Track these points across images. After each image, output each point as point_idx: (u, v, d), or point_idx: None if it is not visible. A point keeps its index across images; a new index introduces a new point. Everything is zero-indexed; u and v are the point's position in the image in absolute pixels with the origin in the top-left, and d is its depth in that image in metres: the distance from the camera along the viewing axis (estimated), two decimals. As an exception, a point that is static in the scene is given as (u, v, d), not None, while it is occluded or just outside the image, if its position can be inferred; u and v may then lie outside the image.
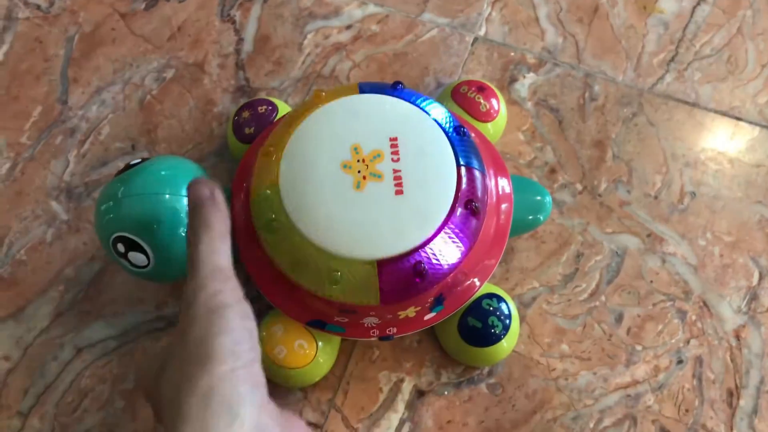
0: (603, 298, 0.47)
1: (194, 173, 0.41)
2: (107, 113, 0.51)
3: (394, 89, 0.42)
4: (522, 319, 0.47)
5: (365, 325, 0.41)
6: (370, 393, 0.45)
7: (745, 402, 0.45)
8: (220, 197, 0.33)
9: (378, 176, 0.38)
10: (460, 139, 0.40)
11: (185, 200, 0.38)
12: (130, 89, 0.52)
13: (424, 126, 0.40)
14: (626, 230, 0.49)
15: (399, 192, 0.38)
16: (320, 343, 0.42)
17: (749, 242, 0.48)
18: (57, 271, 0.47)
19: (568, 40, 0.54)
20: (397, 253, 0.37)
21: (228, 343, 0.28)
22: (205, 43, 0.54)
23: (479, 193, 0.40)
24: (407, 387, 0.45)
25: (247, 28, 0.54)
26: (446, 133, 0.40)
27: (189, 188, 0.34)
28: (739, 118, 0.52)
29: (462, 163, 0.39)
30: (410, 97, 0.42)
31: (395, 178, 0.38)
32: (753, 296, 0.47)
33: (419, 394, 0.45)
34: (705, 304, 0.47)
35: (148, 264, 0.39)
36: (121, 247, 0.39)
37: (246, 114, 0.48)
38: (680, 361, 0.46)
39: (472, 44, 0.54)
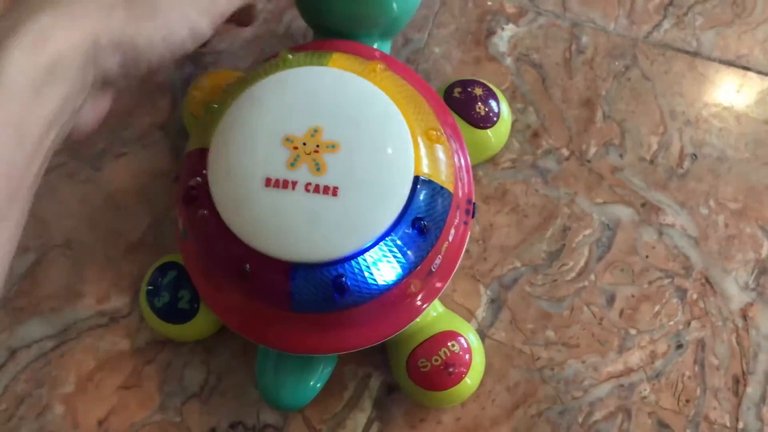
0: (592, 277, 0.42)
1: None
2: (38, 86, 0.46)
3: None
4: (503, 303, 0.42)
5: None
6: (334, 391, 0.41)
7: (752, 389, 0.40)
8: None
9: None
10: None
11: None
12: (63, 58, 0.47)
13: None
14: (619, 200, 0.43)
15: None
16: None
17: (758, 209, 0.43)
18: (-13, 265, 0.43)
19: (553, -14, 0.48)
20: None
21: None
22: (145, 3, 0.48)
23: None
24: (375, 383, 0.41)
25: (191, -15, 0.48)
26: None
27: None
28: (746, 68, 0.46)
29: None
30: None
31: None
32: (762, 270, 0.42)
33: (388, 390, 0.41)
34: (708, 280, 0.42)
35: None
36: None
37: None
38: (680, 346, 0.41)
39: (444, -6, 0.48)
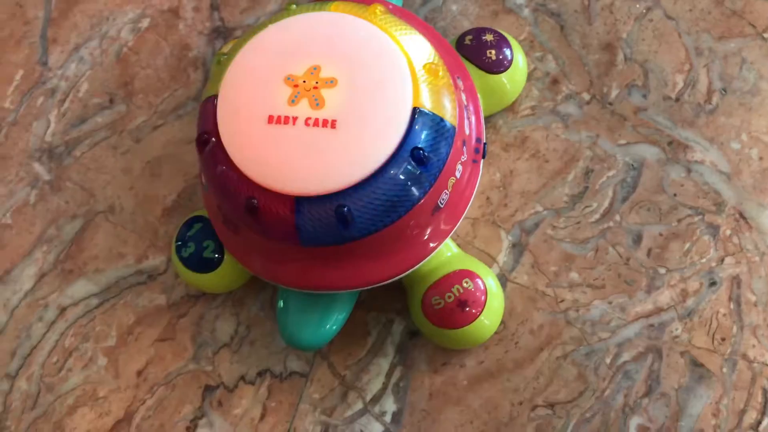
0: (618, 217, 0.41)
1: None
2: (85, 70, 0.50)
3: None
4: (524, 247, 0.41)
5: None
6: (358, 337, 0.41)
7: (794, 325, 0.38)
8: None
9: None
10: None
11: None
12: (106, 43, 0.50)
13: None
14: (643, 139, 0.42)
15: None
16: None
17: (795, 140, 0.41)
18: (40, 232, 0.46)
19: (570, -64, 0.47)
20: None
21: None
22: (180, -13, 0.51)
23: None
24: (397, 328, 0.41)
25: (221, -32, 0.51)
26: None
27: None
28: (778, 0, 0.44)
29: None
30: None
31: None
32: (801, 202, 0.40)
33: (411, 335, 0.41)
34: (742, 215, 0.40)
35: None
36: None
37: None
38: (713, 283, 0.39)
39: (461, -46, 0.48)
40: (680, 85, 0.43)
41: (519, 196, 0.42)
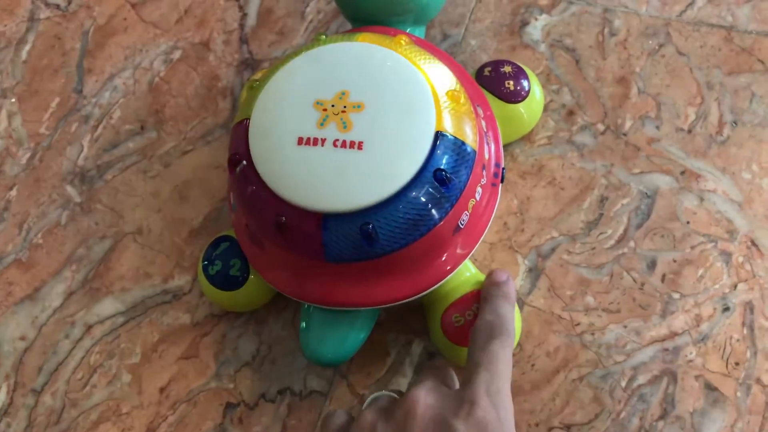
0: (632, 244, 0.42)
1: None
2: (118, 98, 0.52)
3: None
4: (541, 271, 0.42)
5: None
6: (377, 357, 0.42)
7: (808, 351, 0.39)
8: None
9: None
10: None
11: None
12: (139, 73, 0.53)
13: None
14: (656, 169, 0.44)
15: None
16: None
17: (805, 171, 0.42)
18: (70, 252, 0.48)
19: (584, -23, 0.50)
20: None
21: None
22: (211, 22, 0.53)
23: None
24: (416, 349, 0.42)
25: (250, 3, 0.54)
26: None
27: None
28: (786, 38, 0.46)
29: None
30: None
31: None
32: (812, 231, 0.41)
33: (429, 356, 0.42)
34: (754, 243, 0.41)
35: None
36: None
37: None
38: (726, 309, 0.40)
39: (480, -7, 0.51)
40: (692, 117, 0.44)
41: (535, 222, 0.44)
